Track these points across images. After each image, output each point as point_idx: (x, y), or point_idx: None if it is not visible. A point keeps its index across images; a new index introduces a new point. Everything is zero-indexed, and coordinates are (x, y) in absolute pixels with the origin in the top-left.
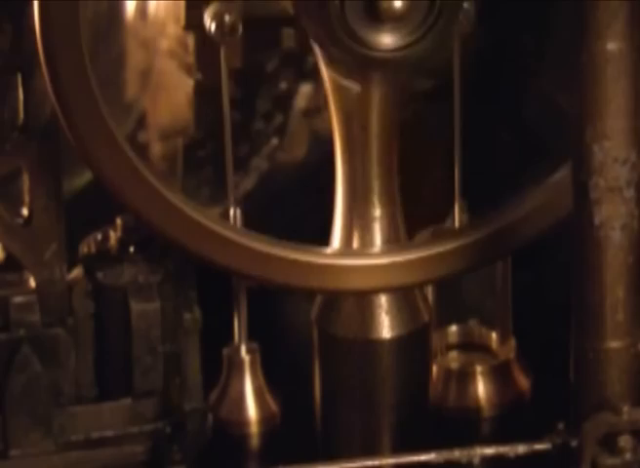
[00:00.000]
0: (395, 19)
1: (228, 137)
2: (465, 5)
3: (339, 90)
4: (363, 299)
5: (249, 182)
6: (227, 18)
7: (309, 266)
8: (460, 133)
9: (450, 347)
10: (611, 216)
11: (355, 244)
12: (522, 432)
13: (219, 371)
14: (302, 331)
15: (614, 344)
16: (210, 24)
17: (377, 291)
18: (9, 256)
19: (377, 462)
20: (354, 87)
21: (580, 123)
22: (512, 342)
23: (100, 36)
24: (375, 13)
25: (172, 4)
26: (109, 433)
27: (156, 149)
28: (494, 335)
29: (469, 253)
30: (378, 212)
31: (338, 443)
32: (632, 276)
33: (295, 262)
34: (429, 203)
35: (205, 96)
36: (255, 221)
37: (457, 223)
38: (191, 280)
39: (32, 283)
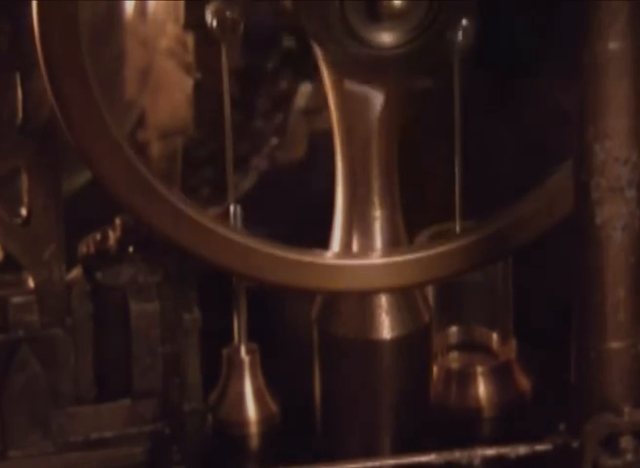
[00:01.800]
0: (395, 18)
1: (229, 137)
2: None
3: (339, 90)
4: (363, 300)
5: (249, 182)
6: (229, 14)
7: (309, 267)
8: (460, 133)
9: (450, 348)
10: (612, 217)
11: (355, 244)
12: (523, 433)
13: (219, 372)
14: (302, 331)
15: (615, 345)
16: (211, 21)
17: (377, 291)
18: (8, 256)
19: (377, 463)
20: (355, 88)
21: (581, 122)
22: (513, 343)
23: (99, 35)
24: (375, 11)
25: (171, 4)
26: (108, 434)
27: (156, 149)
28: (494, 336)
29: (469, 253)
30: (378, 212)
31: (338, 443)
32: (633, 276)
33: (295, 263)
34: (430, 203)
35: (205, 95)
36: (255, 221)
37: (457, 223)
38: (191, 280)
39: (31, 283)
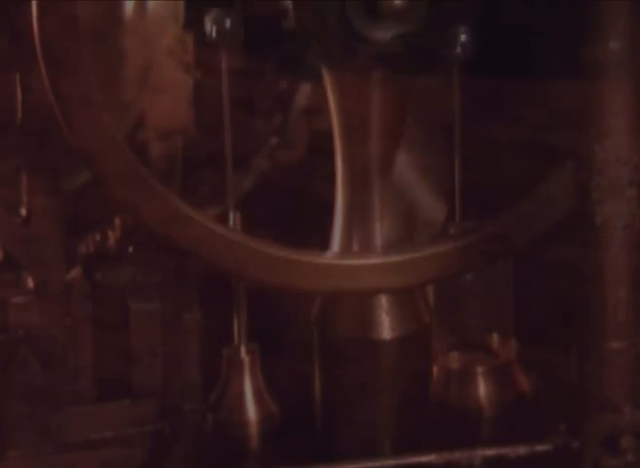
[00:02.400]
0: (395, 16)
1: (228, 137)
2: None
3: (339, 90)
4: (363, 300)
5: (249, 182)
6: (228, 23)
7: (309, 267)
8: (460, 133)
9: (450, 348)
10: (613, 216)
11: (355, 244)
12: (523, 433)
13: (219, 372)
14: (302, 332)
15: (615, 345)
16: (211, 30)
17: (377, 291)
18: (8, 256)
19: (377, 463)
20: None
21: (581, 122)
22: (513, 343)
23: (99, 35)
24: (375, 10)
25: (171, 3)
26: (108, 434)
27: (155, 149)
28: (494, 336)
29: (469, 253)
30: (378, 212)
31: (338, 443)
32: (634, 276)
33: (294, 263)
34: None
35: (205, 95)
36: (255, 221)
37: (457, 223)
38: (191, 280)
39: (31, 283)
